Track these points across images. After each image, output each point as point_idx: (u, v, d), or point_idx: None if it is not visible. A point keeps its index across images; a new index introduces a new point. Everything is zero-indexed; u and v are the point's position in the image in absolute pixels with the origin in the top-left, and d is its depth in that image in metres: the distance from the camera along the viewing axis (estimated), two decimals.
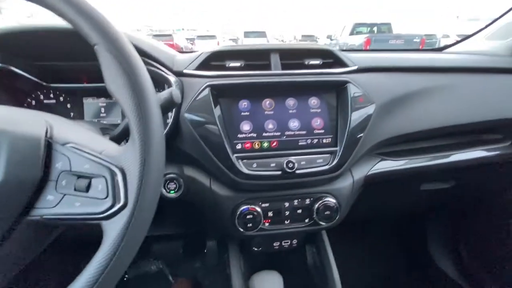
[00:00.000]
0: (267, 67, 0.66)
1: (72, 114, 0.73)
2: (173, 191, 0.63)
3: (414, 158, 0.74)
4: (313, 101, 0.65)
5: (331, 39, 11.61)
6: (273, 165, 0.60)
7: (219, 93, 0.62)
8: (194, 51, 0.77)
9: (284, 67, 0.66)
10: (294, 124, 0.63)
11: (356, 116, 0.62)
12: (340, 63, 0.69)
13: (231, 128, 0.61)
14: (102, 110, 0.74)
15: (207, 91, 0.60)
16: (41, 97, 0.72)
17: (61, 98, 0.72)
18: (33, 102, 0.71)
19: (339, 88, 0.65)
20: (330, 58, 0.69)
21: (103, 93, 0.72)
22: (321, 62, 0.68)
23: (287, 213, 0.66)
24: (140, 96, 0.33)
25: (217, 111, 0.60)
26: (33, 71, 0.68)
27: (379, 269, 1.24)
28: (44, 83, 0.70)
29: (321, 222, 0.65)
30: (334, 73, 0.66)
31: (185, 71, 0.65)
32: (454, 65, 0.79)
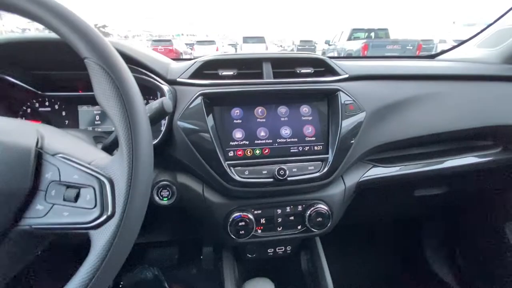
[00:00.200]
0: (260, 75, 0.67)
1: (67, 122, 0.74)
2: (166, 198, 0.63)
3: (406, 164, 0.75)
4: (305, 109, 0.66)
5: (329, 44, 11.72)
6: (265, 172, 0.61)
7: (212, 101, 0.63)
8: (189, 59, 0.78)
9: (276, 75, 0.67)
10: (286, 131, 0.64)
11: (346, 124, 0.63)
12: (331, 71, 0.70)
13: (223, 136, 0.61)
14: (97, 117, 0.75)
15: (199, 99, 0.61)
16: (36, 105, 0.72)
17: (56, 106, 0.73)
18: (28, 110, 0.72)
19: (330, 96, 0.66)
20: (321, 67, 0.70)
21: None
22: (313, 71, 0.69)
23: (279, 220, 0.66)
24: (129, 108, 0.34)
25: (209, 119, 0.61)
26: (28, 80, 0.69)
27: (373, 275, 1.24)
28: (39, 92, 0.71)
29: (313, 229, 0.66)
30: (325, 82, 0.68)
31: (178, 79, 0.66)
32: (445, 72, 0.81)
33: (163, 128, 0.61)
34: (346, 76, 0.70)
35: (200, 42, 15.07)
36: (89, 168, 0.34)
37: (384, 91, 0.72)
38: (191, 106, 0.61)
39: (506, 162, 0.82)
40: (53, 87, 0.71)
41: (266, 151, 0.62)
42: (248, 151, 0.62)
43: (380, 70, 0.76)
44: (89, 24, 0.35)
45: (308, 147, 0.64)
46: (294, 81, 0.66)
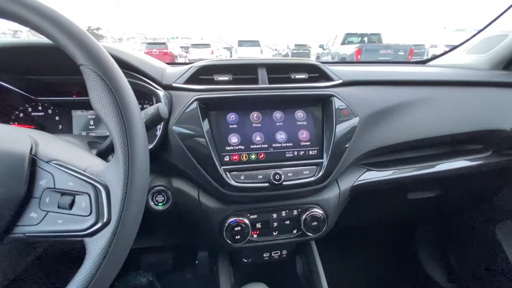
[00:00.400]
0: (255, 81, 0.68)
1: (60, 126, 0.73)
2: (161, 204, 0.63)
3: (399, 168, 0.76)
4: (299, 114, 0.67)
5: (323, 49, 11.86)
6: (260, 177, 0.61)
7: (207, 106, 0.63)
8: (185, 63, 0.78)
9: (271, 81, 0.68)
10: (281, 136, 0.64)
11: (341, 129, 0.64)
12: (325, 77, 0.71)
13: (219, 141, 0.62)
14: (91, 122, 0.75)
15: (195, 104, 0.61)
16: (29, 110, 0.71)
17: (50, 111, 0.72)
18: (21, 115, 0.71)
19: (324, 101, 0.67)
20: (315, 72, 0.71)
21: None
22: (307, 76, 0.70)
23: (275, 224, 0.66)
24: (125, 115, 0.34)
25: (205, 124, 0.61)
26: (21, 85, 0.68)
27: (369, 278, 1.25)
28: (32, 96, 0.70)
29: (309, 233, 0.66)
30: (319, 87, 0.68)
31: (174, 84, 0.66)
32: (436, 78, 0.83)
33: (158, 133, 0.61)
34: (340, 81, 0.71)
35: (195, 45, 15.07)
36: (84, 175, 0.34)
37: (377, 96, 0.73)
38: (186, 111, 0.61)
39: (496, 165, 0.84)
40: (46, 91, 0.70)
41: (262, 155, 0.63)
42: (244, 155, 0.62)
43: (373, 76, 0.78)
44: (84, 31, 0.35)
45: (303, 152, 0.64)
46: (289, 87, 0.67)
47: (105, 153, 0.50)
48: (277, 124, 0.65)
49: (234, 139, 0.63)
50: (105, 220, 0.32)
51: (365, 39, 10.83)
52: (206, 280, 1.13)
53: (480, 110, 0.81)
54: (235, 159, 0.62)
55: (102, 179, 0.34)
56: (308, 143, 0.65)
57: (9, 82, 0.66)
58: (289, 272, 0.91)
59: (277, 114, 0.66)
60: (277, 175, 0.60)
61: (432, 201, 0.96)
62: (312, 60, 0.75)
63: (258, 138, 0.63)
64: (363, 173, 0.73)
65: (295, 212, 0.67)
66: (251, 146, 0.63)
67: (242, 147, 0.62)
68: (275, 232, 0.67)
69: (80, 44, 0.34)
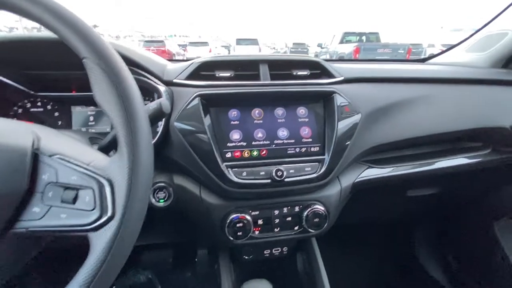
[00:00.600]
0: (256, 77, 0.68)
1: (60, 122, 0.72)
2: (162, 200, 0.63)
3: (400, 165, 0.77)
4: (301, 110, 0.66)
5: (322, 47, 11.87)
6: (262, 173, 0.61)
7: (209, 102, 0.62)
8: (185, 60, 0.78)
9: (273, 77, 0.67)
10: (283, 133, 0.64)
11: (342, 125, 0.64)
12: (327, 73, 0.71)
13: (220, 137, 0.61)
14: (91, 118, 0.74)
15: (197, 100, 0.61)
16: (28, 105, 0.71)
17: (49, 107, 0.72)
18: (20, 111, 0.70)
19: (326, 98, 0.67)
20: (317, 69, 0.71)
21: (93, 101, 0.72)
22: (309, 73, 0.70)
23: (276, 221, 0.66)
24: (129, 109, 0.33)
25: (207, 120, 0.60)
26: (21, 80, 0.67)
27: (369, 275, 1.26)
28: (32, 92, 0.69)
29: (310, 230, 0.66)
30: (321, 84, 0.68)
31: (175, 80, 0.66)
32: (436, 76, 0.83)
33: (159, 129, 0.61)
34: (341, 78, 0.71)
35: (193, 43, 15.01)
36: (87, 169, 0.34)
37: (378, 93, 0.74)
38: (188, 107, 0.61)
39: (495, 163, 0.84)
40: (46, 87, 0.70)
41: (264, 152, 0.63)
42: (246, 152, 0.62)
43: (374, 73, 0.78)
44: (87, 24, 0.35)
45: (305, 148, 0.64)
46: (291, 83, 0.67)
47: (106, 149, 0.50)
48: (279, 120, 0.65)
49: (236, 135, 0.62)
50: (109, 214, 0.32)
51: (363, 38, 10.86)
52: (206, 278, 1.13)
53: (480, 108, 0.81)
54: (237, 155, 0.62)
55: (106, 174, 0.33)
56: (310, 139, 0.65)
57: (8, 77, 0.65)
58: (289, 269, 0.91)
59: (279, 111, 0.66)
60: (279, 172, 0.60)
61: (432, 199, 0.96)
62: (313, 57, 0.75)
63: (260, 135, 0.63)
64: (364, 170, 0.73)
65: (296, 208, 0.67)
66: (253, 143, 0.63)
67: (244, 144, 0.62)
68: (277, 229, 0.67)
69: (84, 37, 0.33)
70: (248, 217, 0.63)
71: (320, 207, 0.65)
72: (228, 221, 0.62)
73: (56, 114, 0.72)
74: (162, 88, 0.62)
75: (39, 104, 0.71)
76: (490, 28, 1.01)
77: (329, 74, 0.71)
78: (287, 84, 0.66)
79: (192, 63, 0.68)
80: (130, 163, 0.33)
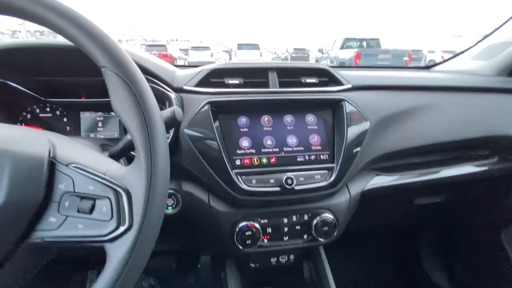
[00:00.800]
0: (265, 84, 0.68)
1: (68, 128, 0.72)
2: (171, 207, 0.62)
3: (408, 173, 0.76)
4: (310, 118, 0.66)
5: (322, 53, 11.94)
6: (272, 181, 0.61)
7: (219, 109, 0.63)
8: (193, 66, 0.78)
9: (281, 84, 0.68)
10: (292, 140, 0.64)
11: (352, 133, 0.64)
12: (335, 81, 0.71)
13: (230, 144, 0.61)
14: (100, 124, 0.74)
15: (207, 107, 0.61)
16: (37, 110, 0.71)
17: (58, 112, 0.72)
18: (29, 116, 0.70)
19: (335, 105, 0.67)
20: (325, 77, 0.72)
21: (101, 107, 0.72)
22: (317, 81, 0.70)
23: (286, 229, 0.66)
24: (147, 118, 0.33)
25: (216, 127, 0.60)
26: (31, 85, 0.68)
27: (375, 284, 1.24)
28: (41, 98, 0.70)
29: (319, 238, 0.66)
30: (329, 91, 0.69)
31: (185, 87, 0.66)
32: (443, 84, 0.83)
33: (169, 136, 0.61)
34: (350, 86, 0.71)
35: (194, 48, 15.06)
36: (104, 179, 0.33)
37: (387, 101, 0.74)
38: (198, 114, 0.61)
39: (502, 171, 0.84)
40: (55, 92, 0.70)
41: (273, 159, 0.62)
42: (255, 159, 0.62)
43: (382, 81, 0.78)
44: (106, 33, 0.35)
45: (314, 156, 0.64)
46: (300, 91, 0.67)
47: (118, 156, 0.50)
48: (288, 128, 0.65)
49: (245, 142, 0.62)
50: (126, 225, 0.31)
51: (364, 43, 10.92)
52: (209, 284, 1.12)
53: (487, 116, 0.81)
54: (247, 162, 0.61)
55: (123, 183, 0.33)
56: (319, 147, 0.65)
57: (18, 83, 0.66)
58: (295, 277, 0.90)
59: (288, 118, 0.66)
60: (289, 180, 0.59)
61: (438, 207, 0.96)
62: (322, 64, 0.75)
63: (269, 142, 0.63)
64: (372, 178, 0.73)
65: (305, 217, 0.66)
66: (263, 150, 0.62)
67: (253, 151, 0.62)
68: (286, 237, 0.66)
69: (103, 47, 0.33)
70: (257, 225, 0.62)
71: (329, 216, 0.65)
72: (237, 229, 0.62)
73: (65, 119, 0.72)
74: (172, 95, 0.62)
75: (48, 109, 0.71)
76: (495, 36, 1.02)
77: (337, 82, 0.71)
78: (296, 92, 0.67)
79: (202, 70, 0.68)
80: (148, 173, 0.32)
